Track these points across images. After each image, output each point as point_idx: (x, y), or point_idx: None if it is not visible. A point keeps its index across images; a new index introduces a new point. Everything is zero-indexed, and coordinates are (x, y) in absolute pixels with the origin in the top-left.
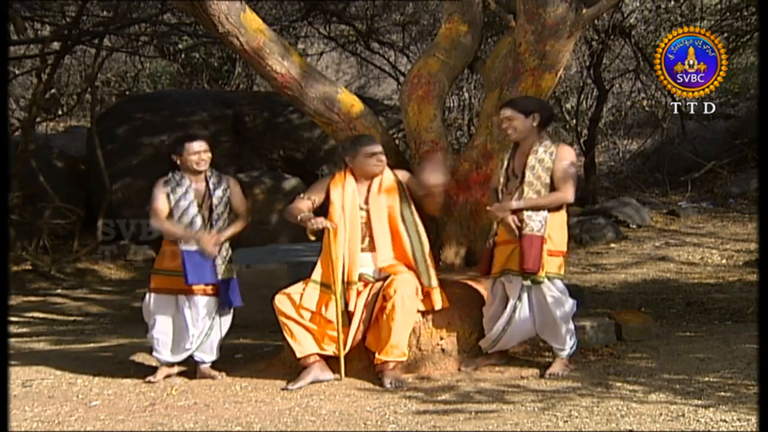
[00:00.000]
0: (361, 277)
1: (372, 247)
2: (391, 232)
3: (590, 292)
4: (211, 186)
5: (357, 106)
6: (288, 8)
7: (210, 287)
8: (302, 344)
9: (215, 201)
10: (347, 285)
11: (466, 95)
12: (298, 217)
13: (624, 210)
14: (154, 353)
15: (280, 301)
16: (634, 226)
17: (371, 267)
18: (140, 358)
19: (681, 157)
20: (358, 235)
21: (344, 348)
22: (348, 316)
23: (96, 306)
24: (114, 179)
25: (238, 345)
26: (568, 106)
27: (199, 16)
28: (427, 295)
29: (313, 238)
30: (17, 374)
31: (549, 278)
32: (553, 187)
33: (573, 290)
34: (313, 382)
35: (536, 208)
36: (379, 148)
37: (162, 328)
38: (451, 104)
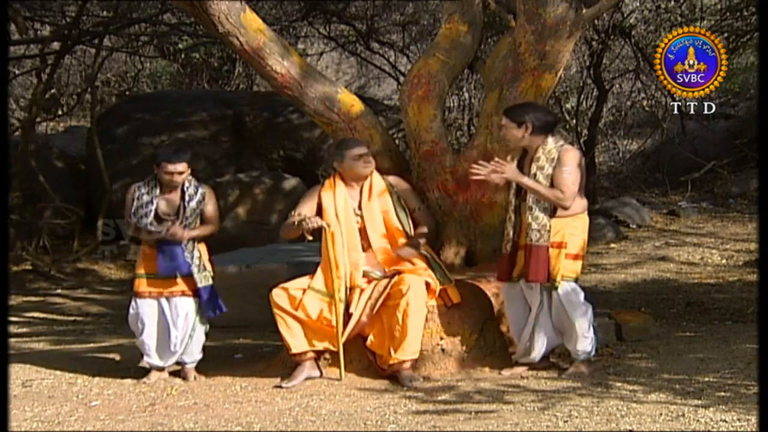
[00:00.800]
0: (365, 275)
1: (372, 248)
2: (389, 236)
3: (590, 292)
4: (187, 198)
5: (357, 106)
6: (288, 8)
7: (189, 288)
8: (297, 338)
9: (188, 213)
10: (350, 290)
11: (466, 95)
12: (293, 220)
13: (624, 210)
14: (145, 358)
15: (277, 295)
16: (634, 226)
17: (375, 264)
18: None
19: (681, 157)
20: (357, 240)
21: (342, 336)
22: (348, 316)
23: (96, 306)
24: (114, 179)
25: (238, 345)
26: (568, 106)
27: (199, 16)
28: (441, 292)
29: (310, 238)
30: (17, 374)
31: (566, 281)
32: None
33: None
34: (306, 379)
35: (538, 200)
36: (365, 149)
37: (150, 333)
38: (451, 104)
